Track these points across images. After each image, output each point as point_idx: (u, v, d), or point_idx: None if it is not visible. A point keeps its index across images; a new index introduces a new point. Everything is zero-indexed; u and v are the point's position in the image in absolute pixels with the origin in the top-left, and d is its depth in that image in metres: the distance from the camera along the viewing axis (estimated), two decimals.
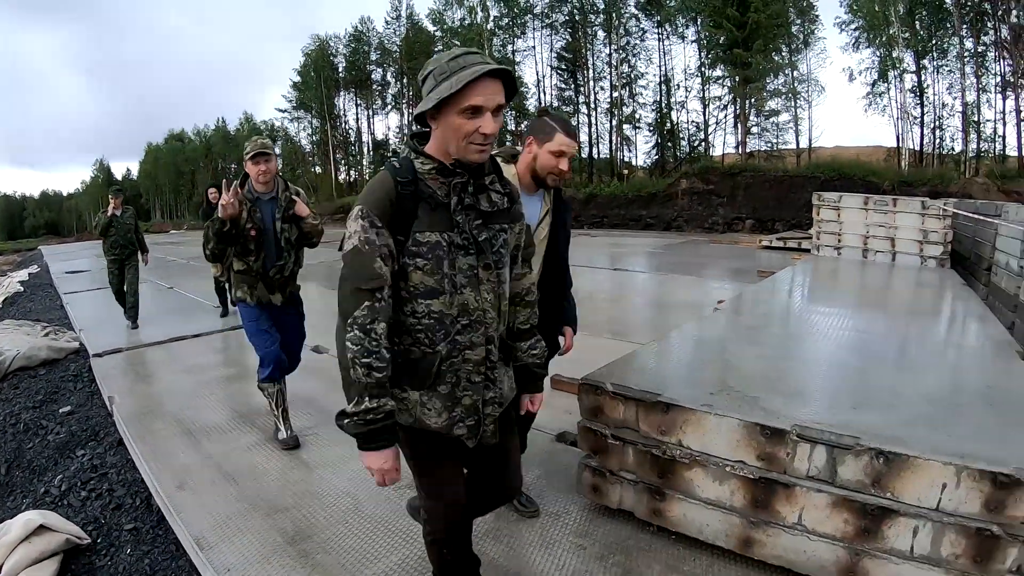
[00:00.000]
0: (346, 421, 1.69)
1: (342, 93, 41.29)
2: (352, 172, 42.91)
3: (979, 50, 25.32)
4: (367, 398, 1.66)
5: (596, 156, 34.04)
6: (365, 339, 1.64)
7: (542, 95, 34.26)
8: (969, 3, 24.93)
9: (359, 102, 41.41)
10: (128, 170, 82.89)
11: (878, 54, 27.25)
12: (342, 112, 42.00)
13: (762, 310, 5.28)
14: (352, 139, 42.51)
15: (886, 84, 27.41)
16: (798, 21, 29.44)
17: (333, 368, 3.89)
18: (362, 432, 1.68)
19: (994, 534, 2.09)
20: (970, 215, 8.70)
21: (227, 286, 4.88)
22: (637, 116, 32.91)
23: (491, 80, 1.58)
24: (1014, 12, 23.57)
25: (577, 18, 32.74)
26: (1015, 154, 24.69)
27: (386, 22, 39.11)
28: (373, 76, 40.47)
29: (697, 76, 30.89)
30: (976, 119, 25.90)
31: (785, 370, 3.28)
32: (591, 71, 33.06)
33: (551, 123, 2.57)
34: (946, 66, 26.44)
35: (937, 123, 26.99)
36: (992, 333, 4.54)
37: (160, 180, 66.62)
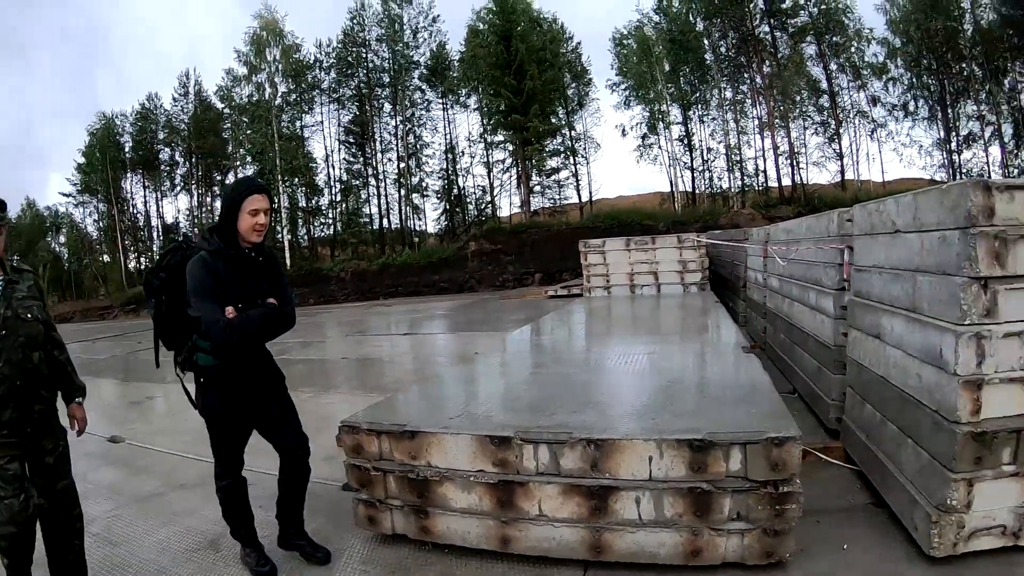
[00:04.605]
0: None
1: (129, 175, 38.36)
2: (142, 259, 39.72)
3: (738, 98, 30.20)
4: None
5: (387, 227, 34.78)
6: None
7: (331, 169, 34.64)
8: (726, 57, 29.42)
9: (147, 184, 38.80)
10: None
11: (647, 109, 31.16)
12: (130, 195, 39.03)
13: (514, 348, 6.02)
14: (141, 223, 39.59)
15: (655, 136, 31.41)
16: (573, 85, 32.92)
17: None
18: None
19: (705, 490, 2.60)
20: (719, 243, 10.21)
21: None
22: (424, 184, 34.40)
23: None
24: (766, 63, 28.16)
25: (364, 91, 33.78)
26: (775, 184, 29.47)
27: (173, 99, 37.23)
28: (161, 156, 38.20)
29: (480, 142, 33.14)
30: (739, 158, 30.58)
31: (520, 392, 3.84)
32: (378, 143, 34.02)
33: None
34: (709, 114, 31.17)
35: (705, 165, 31.46)
36: (725, 336, 5.42)
37: None
